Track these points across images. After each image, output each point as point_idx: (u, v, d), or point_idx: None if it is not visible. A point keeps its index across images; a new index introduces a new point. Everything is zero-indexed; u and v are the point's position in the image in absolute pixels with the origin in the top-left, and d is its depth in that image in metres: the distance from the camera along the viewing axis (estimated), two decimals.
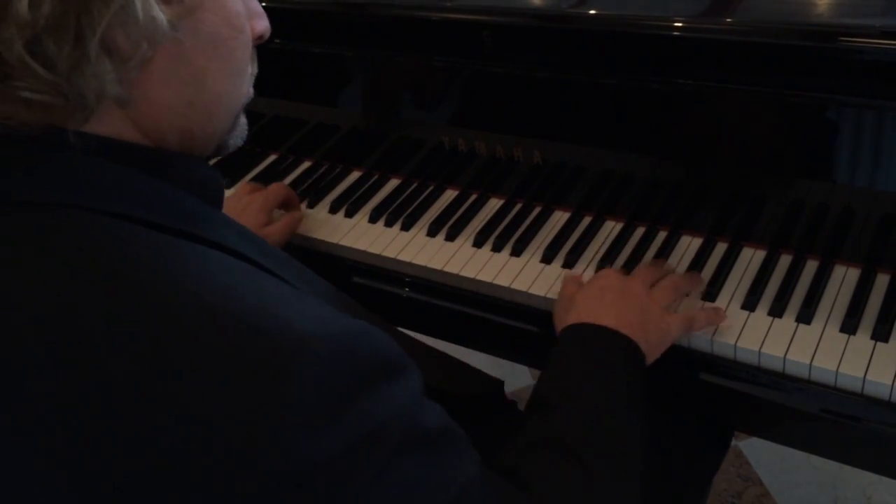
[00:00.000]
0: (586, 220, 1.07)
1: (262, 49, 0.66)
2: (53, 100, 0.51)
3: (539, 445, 0.70)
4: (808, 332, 0.87)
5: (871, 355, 0.84)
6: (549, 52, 1.00)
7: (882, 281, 0.91)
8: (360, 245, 1.08)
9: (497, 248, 1.04)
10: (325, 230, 1.12)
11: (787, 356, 0.85)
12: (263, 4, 0.66)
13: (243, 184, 1.18)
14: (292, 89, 1.21)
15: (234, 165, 1.25)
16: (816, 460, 1.64)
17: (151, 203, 0.56)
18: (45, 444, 0.49)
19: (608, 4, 0.97)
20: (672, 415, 0.97)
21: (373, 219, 1.12)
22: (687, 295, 0.93)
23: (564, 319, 0.85)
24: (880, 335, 0.85)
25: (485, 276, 1.00)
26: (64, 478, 0.49)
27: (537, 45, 1.00)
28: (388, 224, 1.11)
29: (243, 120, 0.67)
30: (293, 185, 1.22)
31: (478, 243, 1.06)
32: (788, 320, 0.89)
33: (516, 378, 1.92)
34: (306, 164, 1.26)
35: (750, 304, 0.91)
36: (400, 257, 1.05)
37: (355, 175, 1.22)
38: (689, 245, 1.01)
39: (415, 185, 1.17)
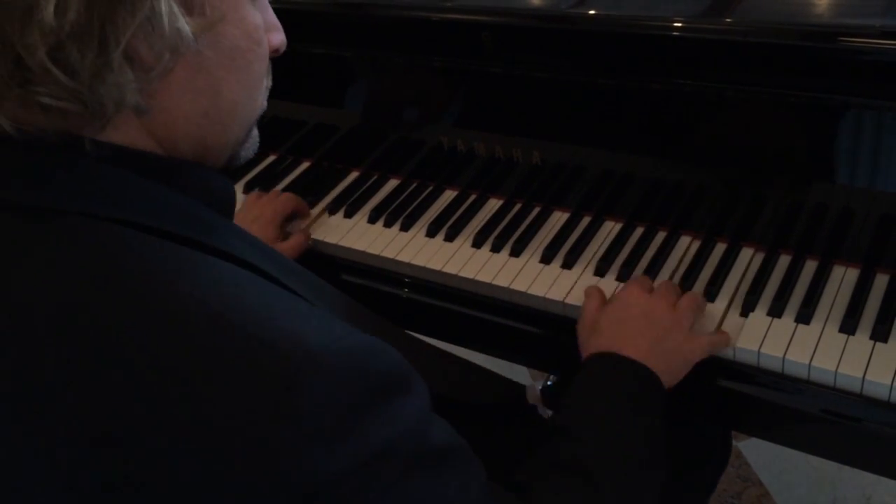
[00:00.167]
0: (585, 221, 1.07)
1: None
2: (72, 107, 0.51)
3: (555, 466, 0.71)
4: (808, 333, 0.87)
5: (870, 355, 0.84)
6: (549, 52, 1.00)
7: (881, 281, 0.91)
8: (360, 245, 1.08)
9: (496, 249, 1.04)
10: (323, 231, 1.12)
11: (787, 356, 0.85)
12: None
13: (251, 194, 1.17)
14: (291, 90, 1.21)
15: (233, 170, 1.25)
16: (816, 460, 1.64)
17: (163, 212, 0.56)
18: (50, 449, 0.49)
19: (608, 5, 0.97)
20: (672, 417, 0.97)
21: (372, 219, 1.12)
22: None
23: (588, 344, 0.85)
24: (879, 335, 0.85)
25: (484, 277, 1.00)
26: (66, 483, 0.49)
27: (537, 46, 1.00)
28: (388, 224, 1.11)
29: (256, 132, 0.67)
30: (292, 185, 1.22)
31: (477, 244, 1.06)
32: (788, 320, 0.89)
33: (516, 379, 1.92)
34: (305, 165, 1.26)
35: (749, 305, 0.91)
36: (399, 258, 1.05)
37: (354, 175, 1.22)
38: (688, 245, 1.01)
39: (414, 185, 1.17)
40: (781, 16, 0.91)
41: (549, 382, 1.44)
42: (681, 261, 0.99)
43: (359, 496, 0.50)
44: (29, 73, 0.50)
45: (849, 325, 0.87)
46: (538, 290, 0.98)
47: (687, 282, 0.95)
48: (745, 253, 0.98)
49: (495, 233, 1.06)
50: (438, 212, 1.12)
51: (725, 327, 0.90)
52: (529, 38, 1.00)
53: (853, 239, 0.93)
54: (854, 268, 0.93)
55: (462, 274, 1.01)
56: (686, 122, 0.96)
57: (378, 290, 1.07)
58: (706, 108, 0.94)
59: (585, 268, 1.00)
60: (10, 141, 0.52)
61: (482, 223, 1.09)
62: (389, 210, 1.13)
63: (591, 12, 0.96)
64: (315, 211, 1.16)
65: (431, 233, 1.08)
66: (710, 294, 0.93)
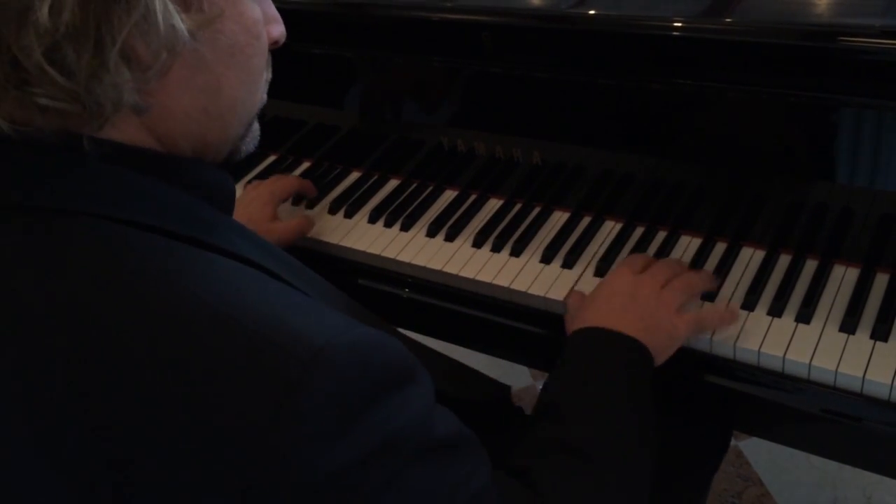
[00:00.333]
0: (585, 221, 1.07)
1: None
2: (70, 107, 0.51)
3: (548, 447, 0.71)
4: (808, 332, 0.87)
5: (870, 355, 0.84)
6: (549, 52, 1.00)
7: (881, 280, 0.91)
8: (360, 246, 1.08)
9: (496, 249, 1.04)
10: (324, 231, 1.12)
11: (787, 356, 0.85)
12: None
13: (249, 184, 1.17)
14: (292, 90, 1.21)
15: (233, 166, 1.25)
16: (816, 460, 1.64)
17: (163, 210, 0.56)
18: (52, 447, 0.49)
19: (608, 5, 0.97)
20: (671, 415, 0.97)
21: (372, 219, 1.12)
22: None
23: (573, 324, 0.86)
24: (879, 335, 0.85)
25: (484, 277, 1.00)
26: (67, 480, 0.49)
27: (537, 46, 1.00)
28: (388, 224, 1.11)
29: (256, 126, 0.67)
30: None
31: (477, 243, 1.06)
32: (788, 320, 0.89)
33: (516, 378, 1.92)
34: (306, 165, 1.26)
35: (749, 304, 0.91)
36: (399, 258, 1.05)
37: (355, 175, 1.22)
38: (688, 245, 1.01)
39: (414, 185, 1.17)
40: (781, 16, 0.91)
41: None
42: (681, 260, 0.99)
43: (365, 487, 0.50)
44: (26, 75, 0.50)
45: (849, 325, 0.87)
46: (538, 289, 0.98)
47: None
48: (745, 252, 0.98)
49: (496, 233, 1.06)
50: (439, 212, 1.12)
51: (725, 326, 0.89)
52: (529, 38, 1.00)
53: (853, 238, 0.93)
54: (854, 267, 0.93)
55: (462, 274, 1.01)
56: (686, 122, 0.96)
57: (379, 290, 1.07)
58: (706, 108, 0.94)
59: (586, 268, 1.00)
60: (9, 141, 0.52)
61: (482, 223, 1.09)
62: (390, 210, 1.13)
63: (591, 12, 0.96)
64: (316, 210, 1.16)
65: (432, 233, 1.08)
66: (710, 294, 0.93)
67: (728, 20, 0.90)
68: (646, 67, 0.94)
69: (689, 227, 1.02)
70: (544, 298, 0.97)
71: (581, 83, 0.98)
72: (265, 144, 1.28)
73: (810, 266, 0.95)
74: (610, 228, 1.05)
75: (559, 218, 1.08)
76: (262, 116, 0.67)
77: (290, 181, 1.14)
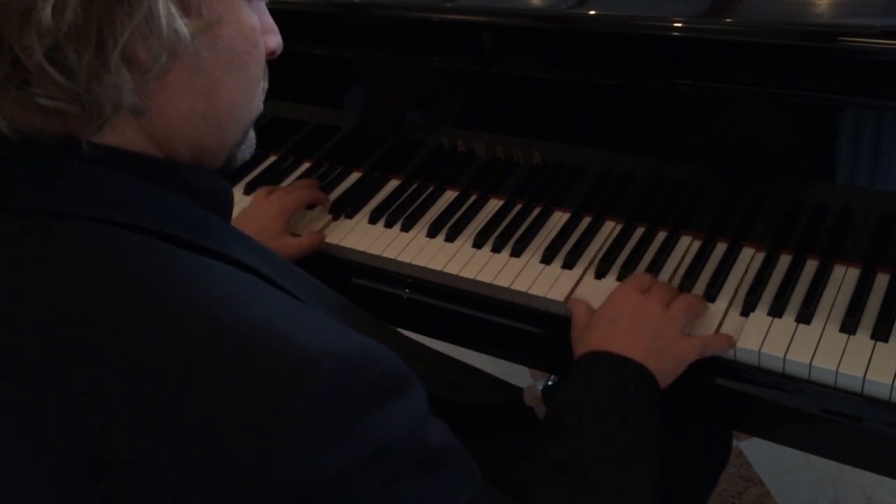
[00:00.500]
0: (586, 221, 1.07)
1: None
2: (70, 108, 0.51)
3: (550, 467, 0.71)
4: (808, 332, 0.87)
5: (870, 355, 0.84)
6: (549, 52, 1.00)
7: (882, 280, 0.91)
8: (360, 246, 1.08)
9: (497, 249, 1.04)
10: (325, 231, 1.12)
11: (787, 356, 0.85)
12: None
13: (260, 191, 1.16)
14: (292, 90, 1.21)
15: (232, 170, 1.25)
16: (816, 460, 1.64)
17: (160, 214, 0.56)
18: (48, 451, 0.49)
19: (608, 5, 0.97)
20: (672, 416, 0.97)
21: (372, 220, 1.12)
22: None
23: (580, 344, 0.85)
24: (880, 335, 0.85)
25: (485, 277, 1.00)
26: (63, 484, 0.49)
27: (537, 46, 1.00)
28: (388, 225, 1.11)
29: (252, 134, 0.68)
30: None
31: (478, 244, 1.06)
32: (788, 320, 0.89)
33: (516, 379, 1.92)
34: (306, 166, 1.26)
35: (750, 305, 0.91)
36: (400, 258, 1.05)
37: (355, 176, 1.22)
38: (688, 245, 1.01)
39: (414, 185, 1.17)
40: (781, 16, 0.91)
41: (549, 382, 1.45)
42: (681, 261, 0.99)
43: (356, 496, 0.50)
44: (26, 75, 0.50)
45: (849, 325, 0.87)
46: (539, 290, 0.98)
47: (687, 282, 0.95)
48: (746, 253, 0.98)
49: (496, 233, 1.06)
50: (439, 212, 1.12)
51: (726, 327, 0.90)
52: (530, 38, 1.00)
53: (854, 238, 0.93)
54: (855, 267, 0.93)
55: (463, 274, 1.01)
56: (686, 123, 0.96)
57: (379, 290, 1.07)
58: (706, 108, 0.94)
59: (586, 268, 1.00)
60: (9, 144, 0.53)
61: (483, 223, 1.09)
62: (390, 210, 1.13)
63: (591, 12, 0.96)
64: (318, 212, 1.16)
65: (432, 233, 1.08)
66: (711, 294, 0.93)
67: (728, 20, 0.91)
68: (646, 68, 0.94)
69: (690, 227, 1.02)
70: (545, 299, 0.97)
71: (581, 83, 0.98)
72: (265, 145, 1.29)
73: (811, 266, 0.95)
74: (610, 229, 1.05)
75: (559, 218, 1.08)
76: (263, 117, 0.67)
77: (301, 193, 1.12)
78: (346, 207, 1.15)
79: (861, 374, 0.82)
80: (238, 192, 1.23)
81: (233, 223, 0.67)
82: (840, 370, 0.83)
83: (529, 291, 0.98)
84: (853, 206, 0.91)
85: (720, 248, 0.99)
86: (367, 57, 1.12)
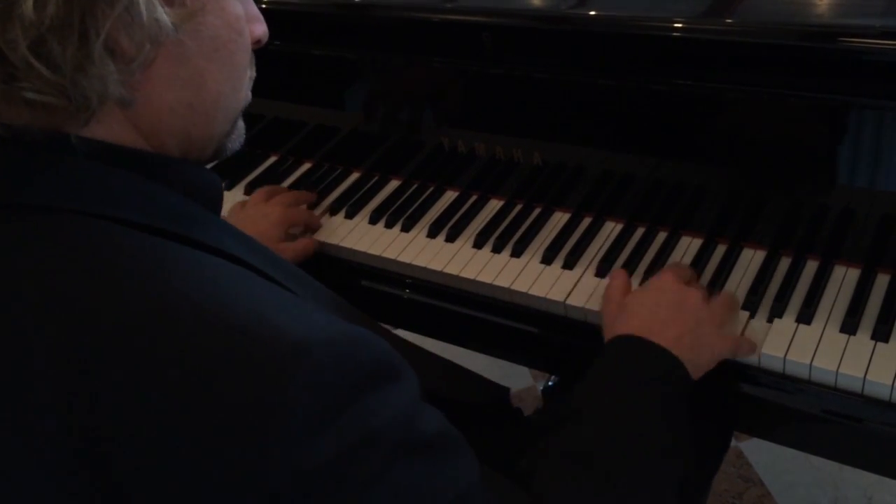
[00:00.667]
0: (586, 221, 1.07)
1: (262, 50, 0.66)
2: (57, 101, 0.52)
3: (564, 455, 0.70)
4: (809, 333, 0.87)
5: (871, 355, 0.84)
6: (549, 53, 1.00)
7: (882, 281, 0.91)
8: (361, 247, 1.08)
9: (497, 250, 1.04)
10: (325, 232, 1.12)
11: (788, 356, 0.85)
12: (263, 6, 0.66)
13: (258, 191, 1.16)
14: (292, 91, 1.21)
15: (233, 167, 1.25)
16: (817, 461, 1.64)
17: (149, 207, 0.56)
18: (39, 445, 0.49)
19: (608, 5, 0.97)
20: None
21: (373, 220, 1.12)
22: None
23: (615, 325, 0.83)
24: (880, 335, 0.85)
25: (485, 278, 1.00)
26: (55, 479, 0.49)
27: (537, 47, 1.00)
28: (389, 225, 1.11)
29: (241, 124, 0.67)
30: (293, 186, 1.22)
31: (478, 244, 1.06)
32: (788, 320, 0.89)
33: (516, 379, 1.92)
34: (306, 166, 1.26)
35: (750, 305, 0.91)
36: (400, 259, 1.05)
37: (355, 176, 1.22)
38: (689, 246, 1.01)
39: (415, 186, 1.17)
40: (781, 16, 0.91)
41: (549, 383, 1.45)
42: (681, 261, 0.99)
43: (346, 483, 0.50)
44: (12, 69, 0.50)
45: (850, 326, 0.87)
46: (539, 290, 0.98)
47: None
48: (746, 253, 0.98)
49: (496, 233, 1.06)
50: (439, 213, 1.12)
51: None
52: (530, 38, 1.00)
53: (854, 239, 0.93)
54: (855, 268, 0.93)
55: (463, 275, 1.01)
56: (686, 123, 0.96)
57: (379, 290, 1.07)
58: (706, 108, 0.94)
59: (586, 268, 1.00)
60: None
61: (483, 224, 1.09)
62: (390, 211, 1.13)
63: (591, 12, 0.96)
64: (316, 211, 1.16)
65: (432, 233, 1.08)
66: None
67: (728, 20, 0.91)
68: (646, 68, 0.94)
69: (690, 227, 1.02)
70: (545, 299, 0.97)
71: (581, 84, 0.98)
72: (266, 145, 1.29)
73: (811, 267, 0.95)
74: (611, 229, 1.05)
75: (560, 219, 1.08)
76: (262, 118, 0.67)
77: (302, 212, 1.12)
78: (346, 208, 1.15)
79: (861, 375, 0.82)
80: (238, 192, 1.24)
81: (232, 223, 0.67)
82: (840, 371, 0.83)
83: (530, 292, 0.98)
84: (853, 207, 0.91)
85: (720, 249, 0.99)
86: (368, 57, 1.12)
